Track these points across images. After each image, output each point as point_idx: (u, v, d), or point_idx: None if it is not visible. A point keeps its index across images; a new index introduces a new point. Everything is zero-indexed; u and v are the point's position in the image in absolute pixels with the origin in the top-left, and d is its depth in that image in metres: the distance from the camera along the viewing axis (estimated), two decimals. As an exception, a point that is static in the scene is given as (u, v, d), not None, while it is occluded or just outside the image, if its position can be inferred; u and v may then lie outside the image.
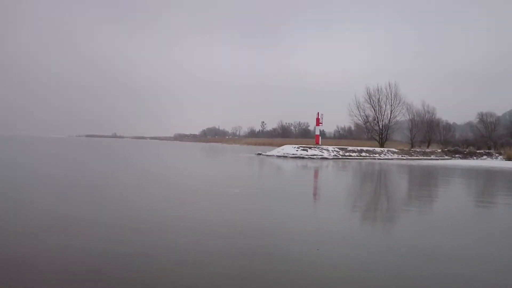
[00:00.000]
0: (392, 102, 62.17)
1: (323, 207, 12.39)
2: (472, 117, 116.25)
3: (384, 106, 62.30)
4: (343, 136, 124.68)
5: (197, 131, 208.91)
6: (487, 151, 64.67)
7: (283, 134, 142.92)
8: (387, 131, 63.35)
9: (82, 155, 39.70)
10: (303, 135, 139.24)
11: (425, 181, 23.65)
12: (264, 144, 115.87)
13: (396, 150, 55.88)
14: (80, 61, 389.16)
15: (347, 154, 47.99)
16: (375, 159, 48.83)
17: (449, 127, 79.83)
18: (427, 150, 61.67)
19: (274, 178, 22.57)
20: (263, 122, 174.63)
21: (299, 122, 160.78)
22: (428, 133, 68.34)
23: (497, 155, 62.41)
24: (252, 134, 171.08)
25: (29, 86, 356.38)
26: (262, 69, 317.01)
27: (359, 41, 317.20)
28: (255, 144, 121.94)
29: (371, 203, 13.72)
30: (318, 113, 50.74)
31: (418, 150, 60.14)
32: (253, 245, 7.20)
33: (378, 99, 62.26)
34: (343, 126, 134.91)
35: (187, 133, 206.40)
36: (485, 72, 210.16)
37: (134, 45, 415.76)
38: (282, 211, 10.81)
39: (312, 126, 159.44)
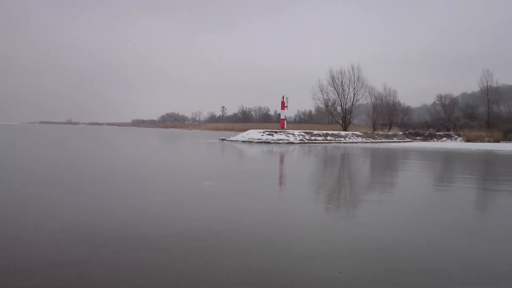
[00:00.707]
0: (355, 85, 61.48)
1: (299, 200, 10.60)
2: (427, 101, 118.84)
3: (347, 89, 61.52)
4: (304, 121, 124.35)
5: (155, 116, 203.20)
6: (446, 133, 65.49)
7: (244, 119, 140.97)
8: (350, 115, 62.69)
9: (34, 144, 36.18)
10: (264, 120, 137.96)
11: (393, 165, 22.47)
12: (225, 129, 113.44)
13: (360, 134, 55.29)
14: (31, 44, 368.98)
15: (313, 138, 46.71)
16: (340, 142, 47.87)
17: (406, 110, 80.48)
18: (389, 133, 61.61)
19: (243, 165, 20.62)
20: (223, 107, 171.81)
21: (260, 107, 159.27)
22: (390, 116, 68.34)
23: (456, 136, 63.31)
24: (213, 119, 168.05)
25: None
26: (223, 53, 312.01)
27: (319, 24, 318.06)
28: (216, 129, 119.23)
29: (335, 191, 12.19)
30: (283, 96, 49.09)
31: (381, 133, 59.93)
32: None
33: (342, 82, 61.38)
34: (303, 110, 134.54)
35: (146, 118, 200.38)
36: (438, 57, 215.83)
37: (84, 25, 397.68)
38: (264, 210, 8.90)
39: (272, 110, 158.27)
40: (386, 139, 56.64)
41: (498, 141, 59.63)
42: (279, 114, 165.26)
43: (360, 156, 29.68)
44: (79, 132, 78.99)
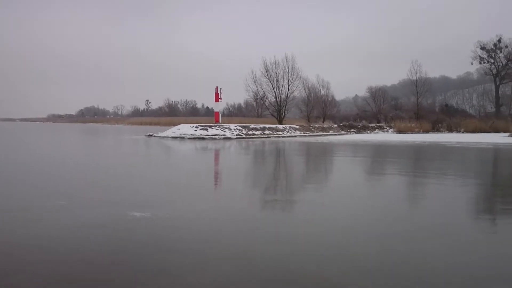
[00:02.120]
0: (290, 76, 58.09)
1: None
2: (357, 92, 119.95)
3: (282, 81, 57.95)
4: (234, 114, 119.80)
5: (73, 111, 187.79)
6: (378, 124, 64.68)
7: (171, 113, 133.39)
8: (285, 107, 59.30)
9: None
10: (192, 113, 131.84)
11: (340, 164, 18.78)
12: (151, 124, 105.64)
13: (297, 127, 52.04)
14: None
15: (250, 132, 42.38)
16: (279, 137, 44.10)
17: (334, 103, 79.21)
18: (325, 125, 59.21)
19: (180, 172, 15.59)
20: (148, 100, 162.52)
21: (186, 100, 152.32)
22: (323, 109, 66.12)
23: (388, 128, 62.61)
24: (136, 113, 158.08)
25: None
26: (145, 43, 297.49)
27: (250, 15, 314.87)
28: (141, 123, 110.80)
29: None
30: (216, 87, 44.07)
31: (316, 126, 57.25)
32: None
33: (276, 73, 57.66)
34: (233, 103, 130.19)
35: (62, 113, 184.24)
36: (361, 49, 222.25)
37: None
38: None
39: (200, 104, 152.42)
40: (323, 132, 54.02)
41: (427, 132, 59.83)
42: (207, 108, 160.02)
43: (302, 152, 25.89)
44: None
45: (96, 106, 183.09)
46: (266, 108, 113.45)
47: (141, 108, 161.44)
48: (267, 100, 61.49)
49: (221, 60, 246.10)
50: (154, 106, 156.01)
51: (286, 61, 57.88)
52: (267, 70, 57.37)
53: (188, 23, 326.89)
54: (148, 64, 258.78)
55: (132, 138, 39.34)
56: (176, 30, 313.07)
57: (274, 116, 59.78)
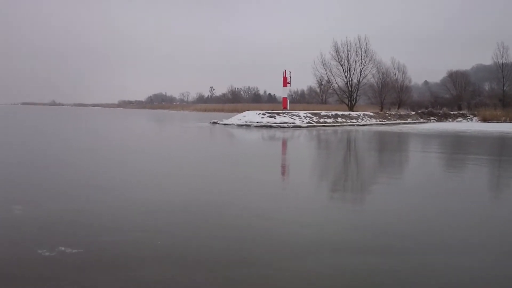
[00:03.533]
0: (362, 58, 52.35)
1: None
2: (417, 79, 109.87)
3: (354, 64, 52.40)
4: (296, 100, 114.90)
5: (143, 97, 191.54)
6: (460, 112, 57.30)
7: (234, 100, 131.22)
8: (357, 93, 53.80)
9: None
10: (255, 100, 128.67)
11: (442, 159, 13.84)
12: (215, 110, 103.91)
13: (372, 114, 46.71)
14: (13, 26, 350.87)
15: (321, 120, 37.93)
16: (353, 125, 39.26)
17: (409, 88, 71.87)
18: (402, 113, 53.15)
19: (252, 167, 11.73)
20: (212, 87, 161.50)
21: (249, 87, 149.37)
22: (399, 94, 59.69)
23: (471, 116, 55.13)
24: (201, 100, 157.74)
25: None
26: (210, 33, 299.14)
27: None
28: (205, 110, 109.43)
29: None
30: (285, 71, 39.86)
31: (393, 113, 51.41)
32: None
33: (347, 56, 52.18)
34: (295, 89, 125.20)
35: (133, 99, 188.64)
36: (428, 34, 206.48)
37: (68, 6, 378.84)
38: None
39: (262, 90, 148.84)
40: (400, 119, 48.27)
41: (515, 121, 51.82)
42: (269, 94, 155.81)
43: (391, 144, 21.17)
44: (70, 114, 68.91)
45: (163, 92, 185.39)
46: (333, 94, 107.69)
47: (206, 95, 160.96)
48: (335, 85, 56.00)
49: (284, 45, 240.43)
50: (218, 92, 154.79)
51: (359, 42, 52.25)
52: (337, 52, 52.11)
53: (251, 6, 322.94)
54: (212, 51, 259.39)
55: (197, 125, 36.44)
56: (238, 16, 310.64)
57: (344, 103, 54.50)
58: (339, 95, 55.15)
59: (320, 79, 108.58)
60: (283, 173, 11.43)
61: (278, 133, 27.77)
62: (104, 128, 33.45)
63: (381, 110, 54.29)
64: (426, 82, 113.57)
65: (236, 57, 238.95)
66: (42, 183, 9.14)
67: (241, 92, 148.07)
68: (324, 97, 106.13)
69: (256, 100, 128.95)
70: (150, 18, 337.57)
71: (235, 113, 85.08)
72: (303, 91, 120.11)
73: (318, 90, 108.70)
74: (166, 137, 24.83)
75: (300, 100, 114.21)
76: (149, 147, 18.15)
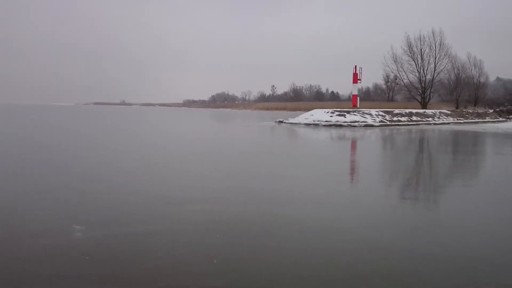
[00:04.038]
0: (437, 53, 48.74)
1: None
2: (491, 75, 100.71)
3: (427, 59, 48.92)
4: (361, 98, 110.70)
5: (206, 96, 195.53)
6: (546, 110, 51.67)
7: (296, 98, 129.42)
8: (431, 89, 50.25)
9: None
10: (317, 98, 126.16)
11: None
12: (277, 109, 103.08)
13: (449, 112, 43.28)
14: (86, 27, 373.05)
15: (395, 119, 35.54)
16: (430, 123, 36.45)
17: (486, 85, 66.05)
18: (479, 111, 48.88)
19: (338, 177, 10.40)
20: (273, 86, 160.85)
21: (310, 85, 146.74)
22: (476, 91, 55.09)
23: (560, 115, 49.47)
24: (263, 98, 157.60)
25: (30, 55, 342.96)
26: (270, 33, 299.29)
27: None
28: (267, 109, 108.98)
29: None
30: (355, 67, 37.87)
31: (470, 111, 47.38)
32: None
33: (421, 50, 48.81)
34: (360, 87, 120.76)
35: (196, 99, 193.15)
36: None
37: (136, 10, 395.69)
38: None
39: (324, 88, 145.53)
40: (478, 118, 44.32)
41: None
42: (332, 92, 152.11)
43: (486, 146, 18.72)
44: (141, 113, 71.55)
45: (226, 92, 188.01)
46: (400, 91, 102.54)
47: (267, 94, 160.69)
48: (406, 81, 52.46)
49: (347, 41, 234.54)
50: (279, 91, 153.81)
51: (433, 36, 48.74)
52: (410, 47, 48.92)
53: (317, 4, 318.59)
54: (273, 50, 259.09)
55: (262, 124, 35.57)
56: (299, 12, 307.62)
57: (417, 100, 51.15)
58: (411, 92, 51.74)
59: (387, 76, 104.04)
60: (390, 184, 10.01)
61: (351, 133, 26.09)
62: (181, 128, 33.56)
63: (457, 108, 50.35)
64: (498, 79, 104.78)
65: (297, 55, 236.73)
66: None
67: (303, 90, 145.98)
68: (391, 94, 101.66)
69: (318, 98, 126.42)
70: (212, 22, 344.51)
71: (298, 111, 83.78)
72: (368, 88, 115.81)
73: (384, 87, 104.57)
74: (239, 138, 24.09)
75: (365, 97, 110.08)
76: (228, 148, 17.40)
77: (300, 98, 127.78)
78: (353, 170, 11.89)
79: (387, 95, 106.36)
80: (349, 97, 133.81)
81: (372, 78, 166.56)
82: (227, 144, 19.66)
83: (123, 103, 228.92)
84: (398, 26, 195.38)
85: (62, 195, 7.64)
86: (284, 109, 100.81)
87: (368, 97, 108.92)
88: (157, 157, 13.55)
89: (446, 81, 53.40)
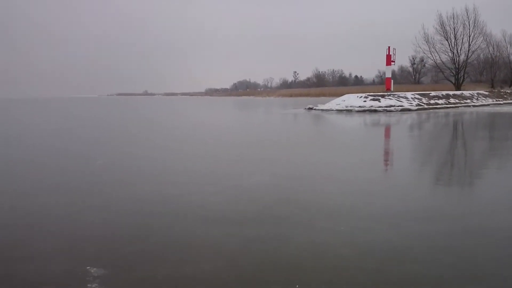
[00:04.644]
0: (471, 32, 46.03)
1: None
2: None
3: (461, 38, 46.27)
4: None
5: (228, 85, 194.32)
6: None
7: (319, 83, 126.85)
8: (465, 70, 47.67)
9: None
10: (341, 83, 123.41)
11: None
12: (301, 95, 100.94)
13: (486, 93, 40.93)
14: (109, 19, 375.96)
15: (432, 102, 33.60)
16: (469, 106, 34.38)
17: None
18: (519, 91, 46.17)
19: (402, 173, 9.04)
20: (295, 72, 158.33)
21: (333, 70, 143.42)
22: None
23: None
24: (285, 85, 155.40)
25: (52, 47, 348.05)
26: (289, 17, 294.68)
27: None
28: (290, 95, 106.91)
29: None
30: (389, 48, 35.81)
31: (508, 91, 44.78)
32: None
33: (454, 29, 46.18)
34: (384, 70, 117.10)
35: (218, 87, 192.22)
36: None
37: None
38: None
39: (347, 72, 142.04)
40: (518, 99, 41.80)
41: None
42: (356, 77, 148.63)
43: None
44: (163, 104, 71.17)
45: (248, 79, 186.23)
46: (426, 73, 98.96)
47: (289, 80, 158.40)
48: (437, 62, 49.55)
49: (371, 24, 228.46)
50: (301, 77, 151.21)
51: (467, 14, 46.01)
52: (442, 25, 46.35)
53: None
54: (295, 36, 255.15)
55: (292, 112, 34.19)
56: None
57: (450, 81, 48.68)
58: (444, 73, 49.21)
59: (413, 58, 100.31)
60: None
61: (389, 118, 24.51)
62: (212, 120, 32.61)
63: (493, 89, 47.69)
64: None
65: (318, 39, 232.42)
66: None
67: (326, 76, 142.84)
68: (417, 76, 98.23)
69: (342, 83, 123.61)
70: (233, 11, 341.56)
71: (322, 97, 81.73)
72: (393, 71, 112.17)
73: (410, 69, 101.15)
74: (273, 128, 22.85)
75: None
76: (268, 140, 16.20)
77: (323, 84, 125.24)
78: (410, 160, 10.52)
79: (413, 77, 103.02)
80: (374, 81, 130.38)
81: (397, 60, 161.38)
82: (267, 135, 18.44)
83: (145, 93, 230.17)
84: (428, 6, 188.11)
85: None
86: (308, 95, 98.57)
87: (395, 80, 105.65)
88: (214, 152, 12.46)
89: (476, 62, 50.62)
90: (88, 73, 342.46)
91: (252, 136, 17.42)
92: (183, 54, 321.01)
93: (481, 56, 50.39)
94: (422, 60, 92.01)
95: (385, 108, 30.65)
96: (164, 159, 11.12)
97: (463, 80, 47.94)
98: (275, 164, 9.85)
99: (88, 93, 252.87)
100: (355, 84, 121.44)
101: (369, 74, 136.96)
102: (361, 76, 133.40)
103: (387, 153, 12.09)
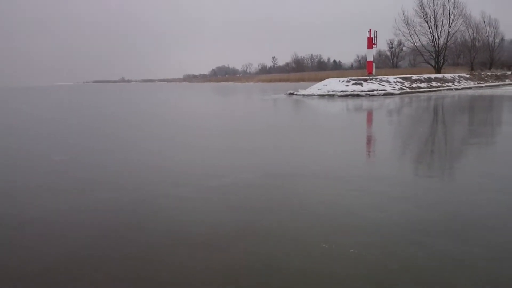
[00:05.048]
0: (450, 13, 45.30)
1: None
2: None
3: (441, 20, 45.52)
4: (364, 66, 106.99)
5: (206, 71, 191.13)
6: None
7: (298, 69, 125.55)
8: (445, 53, 47.11)
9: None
10: (320, 68, 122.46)
11: None
12: (280, 81, 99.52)
13: (468, 76, 40.49)
14: (84, 2, 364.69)
15: (414, 85, 32.81)
16: (451, 89, 33.77)
17: (499, 46, 62.31)
18: (498, 73, 45.98)
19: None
20: (274, 57, 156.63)
21: (312, 55, 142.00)
22: (491, 53, 51.86)
23: None
24: (264, 70, 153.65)
25: (23, 33, 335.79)
26: (267, 2, 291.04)
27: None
28: (270, 81, 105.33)
29: None
30: (370, 30, 34.59)
31: (489, 74, 44.50)
32: None
33: (434, 11, 45.34)
34: (363, 54, 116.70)
35: (197, 73, 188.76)
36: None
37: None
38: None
39: (326, 57, 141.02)
40: (498, 81, 41.59)
41: None
42: (334, 61, 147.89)
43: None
44: (139, 91, 68.56)
45: (226, 65, 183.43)
46: (403, 57, 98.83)
47: (268, 65, 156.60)
48: (417, 45, 48.54)
49: (348, 7, 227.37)
50: (280, 62, 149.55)
51: (447, -6, 45.13)
52: (422, 7, 45.40)
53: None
54: (273, 21, 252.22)
55: (272, 97, 32.92)
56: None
57: (430, 64, 48.06)
58: (424, 56, 48.54)
59: (390, 42, 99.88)
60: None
61: (372, 103, 23.53)
62: (193, 108, 31.01)
63: (472, 71, 47.39)
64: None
65: (296, 24, 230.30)
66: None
67: (304, 61, 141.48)
68: (395, 60, 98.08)
69: (321, 68, 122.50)
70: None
71: (302, 82, 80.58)
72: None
73: (388, 53, 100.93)
74: (254, 116, 21.53)
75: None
76: (251, 129, 14.89)
77: (302, 69, 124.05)
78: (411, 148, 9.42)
79: (391, 61, 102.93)
80: (352, 65, 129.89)
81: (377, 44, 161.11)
82: (247, 121, 17.12)
83: (122, 80, 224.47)
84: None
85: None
86: (287, 80, 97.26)
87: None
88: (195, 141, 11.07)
89: (453, 45, 50.06)
90: (62, 60, 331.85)
91: (234, 125, 16.08)
92: (160, 40, 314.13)
93: (459, 38, 49.95)
94: (400, 43, 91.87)
95: (368, 92, 29.68)
96: (134, 152, 9.70)
97: (443, 63, 47.43)
98: (260, 158, 8.58)
99: (64, 80, 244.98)
100: (333, 69, 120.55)
101: (347, 58, 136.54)
102: (339, 61, 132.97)
103: (380, 142, 10.98)
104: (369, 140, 11.16)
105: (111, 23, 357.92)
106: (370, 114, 18.81)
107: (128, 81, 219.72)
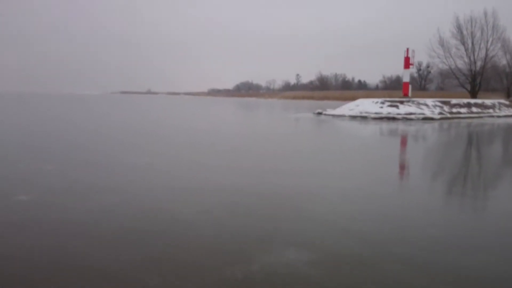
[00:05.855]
0: (488, 37, 42.50)
1: None
2: None
3: (478, 43, 42.75)
4: (390, 87, 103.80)
5: (230, 85, 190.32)
6: None
7: (322, 87, 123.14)
8: (481, 77, 44.14)
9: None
10: (344, 87, 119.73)
11: None
12: (303, 98, 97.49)
13: (507, 102, 37.48)
14: (116, 16, 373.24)
15: (454, 110, 30.14)
16: (492, 116, 30.96)
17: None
18: (539, 100, 42.64)
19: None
20: (298, 74, 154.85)
21: (336, 74, 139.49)
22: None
23: None
24: (287, 87, 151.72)
25: (57, 42, 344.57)
26: (293, 20, 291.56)
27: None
28: (293, 98, 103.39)
29: None
30: (407, 50, 32.09)
31: (529, 100, 41.28)
32: None
33: (471, 33, 42.63)
34: (389, 75, 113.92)
35: (221, 88, 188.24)
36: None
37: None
38: None
39: (350, 76, 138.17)
40: (540, 109, 38.28)
41: None
42: (359, 81, 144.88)
43: None
44: (170, 105, 67.49)
45: (250, 81, 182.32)
46: (432, 80, 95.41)
47: (292, 82, 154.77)
48: (453, 67, 45.41)
49: (378, 25, 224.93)
50: (304, 80, 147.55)
51: (485, 17, 42.48)
52: (459, 29, 42.77)
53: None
54: (299, 39, 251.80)
55: (298, 116, 30.78)
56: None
57: (465, 88, 45.13)
58: (459, 79, 45.63)
59: (419, 64, 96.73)
60: None
61: (414, 129, 21.09)
62: (221, 123, 29.16)
63: (508, 97, 44.28)
64: None
65: (323, 43, 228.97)
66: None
67: (328, 79, 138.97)
68: (423, 83, 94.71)
69: (345, 87, 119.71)
70: (238, 10, 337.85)
71: (326, 101, 78.23)
72: (398, 76, 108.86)
73: (416, 75, 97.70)
74: (284, 137, 19.40)
75: (395, 86, 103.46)
76: (281, 153, 12.73)
77: (326, 87, 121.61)
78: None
79: (418, 84, 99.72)
80: (377, 86, 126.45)
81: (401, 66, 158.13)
82: (273, 145, 14.95)
83: (148, 92, 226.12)
84: (437, 11, 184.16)
85: None
86: (311, 98, 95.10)
87: (399, 86, 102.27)
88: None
89: (490, 70, 47.03)
90: (92, 70, 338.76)
91: (263, 145, 13.94)
92: (186, 54, 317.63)
93: (496, 62, 46.98)
94: (428, 66, 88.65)
95: (405, 115, 27.20)
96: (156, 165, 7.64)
97: (479, 88, 44.43)
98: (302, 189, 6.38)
99: (90, 90, 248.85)
100: (358, 88, 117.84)
101: (372, 78, 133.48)
102: (364, 81, 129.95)
103: (435, 177, 8.63)
104: (449, 190, 8.81)
105: (140, 36, 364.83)
106: (414, 142, 16.41)
107: (154, 93, 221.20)
